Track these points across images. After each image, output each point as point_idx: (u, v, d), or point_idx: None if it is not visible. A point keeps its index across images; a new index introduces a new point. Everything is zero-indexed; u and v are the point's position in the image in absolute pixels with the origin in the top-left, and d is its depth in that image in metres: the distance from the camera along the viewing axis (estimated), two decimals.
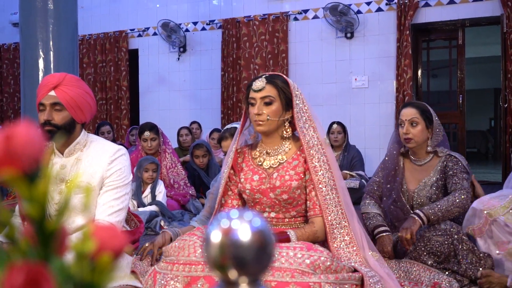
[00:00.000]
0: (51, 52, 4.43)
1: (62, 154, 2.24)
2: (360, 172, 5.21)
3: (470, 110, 9.70)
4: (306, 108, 2.15)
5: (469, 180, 2.69)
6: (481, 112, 14.94)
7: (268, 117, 2.09)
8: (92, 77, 8.45)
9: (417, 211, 2.54)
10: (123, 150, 2.30)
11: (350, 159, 5.37)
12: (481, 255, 2.43)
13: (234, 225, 0.42)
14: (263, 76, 2.14)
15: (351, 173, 5.16)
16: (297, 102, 2.12)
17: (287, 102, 2.12)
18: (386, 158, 2.92)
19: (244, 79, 7.36)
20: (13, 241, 0.36)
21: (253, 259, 0.41)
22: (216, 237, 0.42)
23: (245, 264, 0.41)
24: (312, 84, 7.07)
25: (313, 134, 2.12)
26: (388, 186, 2.85)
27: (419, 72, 7.08)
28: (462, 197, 2.54)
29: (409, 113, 2.76)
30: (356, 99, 6.94)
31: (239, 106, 7.40)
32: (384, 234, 2.66)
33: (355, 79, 6.92)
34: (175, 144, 6.05)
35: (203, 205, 4.10)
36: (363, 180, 4.99)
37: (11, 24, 8.76)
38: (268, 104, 2.10)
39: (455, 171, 2.66)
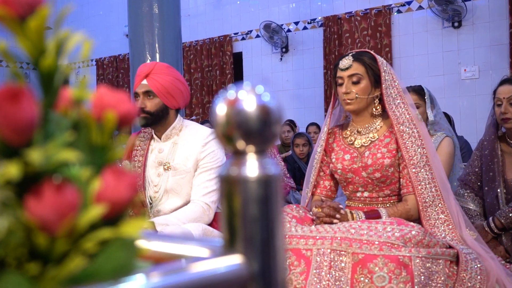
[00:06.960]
0: (157, 54, 4.66)
1: (160, 139, 2.36)
2: None
3: None
4: (396, 83, 2.08)
5: None
6: None
7: (356, 95, 2.04)
8: (200, 81, 8.74)
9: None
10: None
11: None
12: None
13: (240, 95, 0.42)
14: (350, 54, 2.11)
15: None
16: (386, 78, 2.06)
17: (376, 78, 2.07)
18: (485, 143, 2.60)
19: None
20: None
21: (258, 130, 0.41)
22: (222, 108, 0.43)
23: (251, 135, 0.41)
24: (418, 77, 6.80)
25: (403, 110, 2.05)
26: (491, 174, 2.59)
27: None
28: None
29: (508, 90, 2.46)
30: (466, 91, 6.60)
31: None
32: None
33: (465, 70, 6.58)
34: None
35: None
36: None
37: (125, 35, 9.31)
38: (356, 82, 2.06)
39: None
